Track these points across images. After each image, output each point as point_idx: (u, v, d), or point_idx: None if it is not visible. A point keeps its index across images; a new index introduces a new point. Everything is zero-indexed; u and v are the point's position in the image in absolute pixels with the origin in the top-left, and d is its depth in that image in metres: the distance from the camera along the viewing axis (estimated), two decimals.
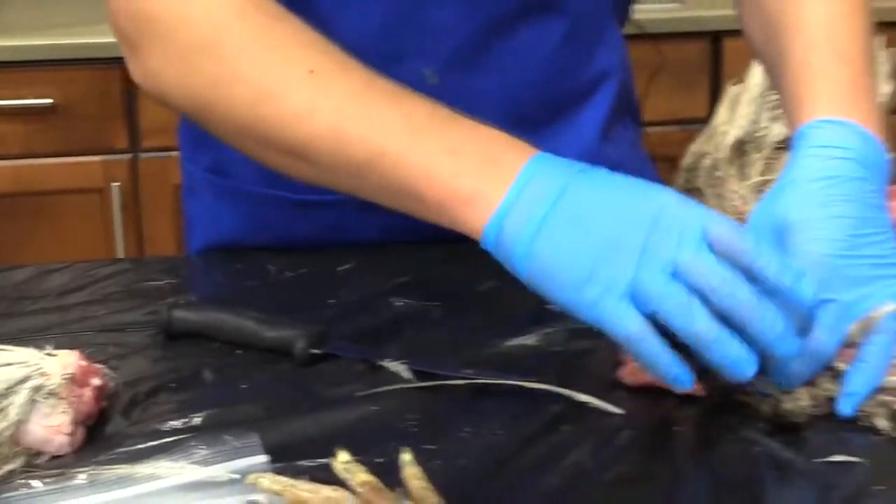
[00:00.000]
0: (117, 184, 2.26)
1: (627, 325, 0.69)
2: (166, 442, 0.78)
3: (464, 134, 0.78)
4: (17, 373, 0.79)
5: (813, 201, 0.78)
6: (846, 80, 0.84)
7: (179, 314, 0.93)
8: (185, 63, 0.88)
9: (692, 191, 0.93)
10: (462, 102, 0.99)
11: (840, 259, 0.76)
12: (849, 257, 0.77)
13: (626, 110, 1.16)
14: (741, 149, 0.95)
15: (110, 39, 1.00)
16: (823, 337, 0.75)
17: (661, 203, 0.70)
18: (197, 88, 0.89)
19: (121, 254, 2.32)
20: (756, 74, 1.06)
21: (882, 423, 0.75)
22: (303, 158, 0.84)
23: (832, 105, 0.82)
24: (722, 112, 1.03)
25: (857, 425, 0.77)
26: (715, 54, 2.09)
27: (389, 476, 0.70)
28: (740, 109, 1.01)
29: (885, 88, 0.99)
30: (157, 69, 0.90)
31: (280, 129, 0.84)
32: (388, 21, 0.99)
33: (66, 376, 0.79)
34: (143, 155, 2.26)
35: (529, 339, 0.90)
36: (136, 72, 0.93)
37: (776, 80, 0.93)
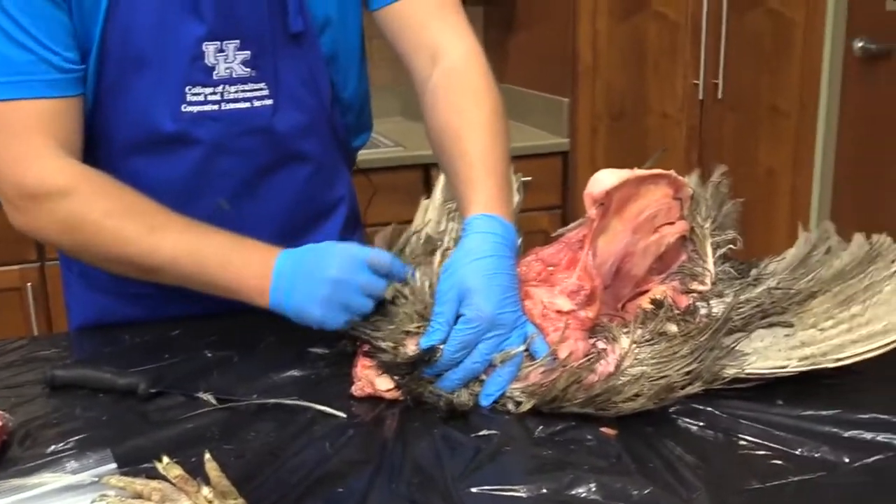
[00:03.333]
0: (30, 284, 2.51)
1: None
2: (48, 461, 0.90)
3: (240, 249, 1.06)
4: None
5: (482, 273, 1.00)
6: (494, 188, 1.08)
7: (58, 372, 1.07)
8: (63, 227, 1.08)
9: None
10: (247, 222, 1.21)
11: (497, 315, 0.99)
12: (501, 314, 1.00)
13: (354, 221, 1.39)
14: (431, 241, 1.16)
15: None
16: (477, 361, 0.99)
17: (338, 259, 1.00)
18: (73, 244, 1.09)
19: (37, 332, 2.46)
20: (438, 191, 1.28)
21: (511, 406, 0.99)
22: (150, 274, 1.08)
23: (485, 206, 1.07)
24: (417, 216, 1.26)
25: (496, 409, 1.00)
26: (426, 178, 2.66)
27: (199, 470, 0.80)
28: (428, 214, 1.24)
29: (516, 197, 1.23)
30: (40, 227, 1.09)
31: (135, 261, 1.07)
32: (192, 169, 1.19)
33: None
34: (48, 263, 2.50)
35: (293, 372, 1.08)
36: (17, 223, 1.11)
37: (452, 187, 1.14)
